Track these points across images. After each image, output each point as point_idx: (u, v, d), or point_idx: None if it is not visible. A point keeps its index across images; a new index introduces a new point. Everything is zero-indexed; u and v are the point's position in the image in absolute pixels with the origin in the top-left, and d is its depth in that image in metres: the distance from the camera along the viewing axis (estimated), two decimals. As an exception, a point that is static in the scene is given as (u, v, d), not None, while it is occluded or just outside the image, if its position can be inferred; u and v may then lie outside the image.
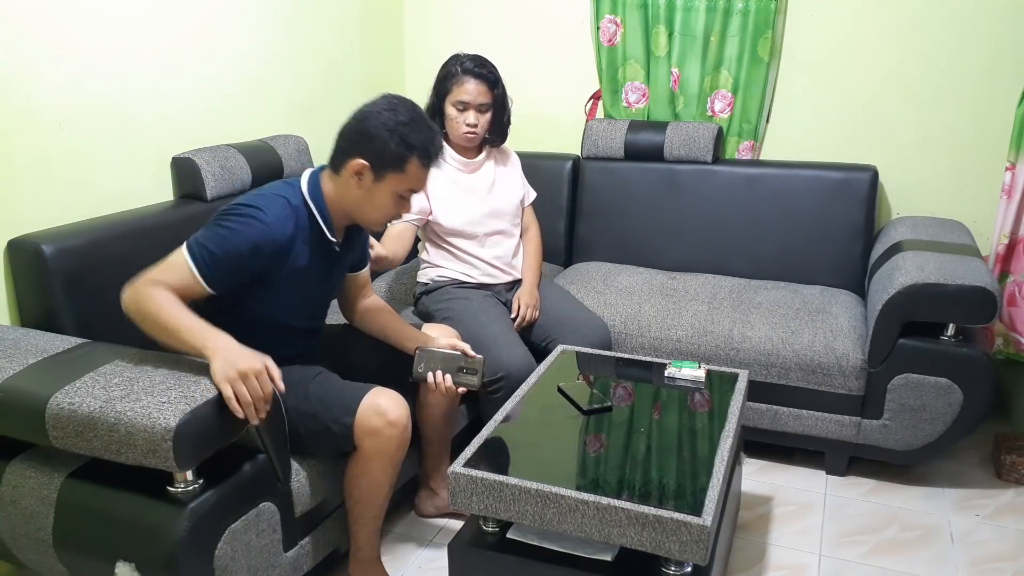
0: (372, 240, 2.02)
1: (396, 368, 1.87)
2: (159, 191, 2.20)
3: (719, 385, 1.98)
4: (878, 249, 2.57)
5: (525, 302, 2.34)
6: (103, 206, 2.03)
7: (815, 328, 2.32)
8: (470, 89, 2.28)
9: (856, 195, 2.67)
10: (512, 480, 1.51)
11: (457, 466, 1.57)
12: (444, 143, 1.89)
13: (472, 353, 1.88)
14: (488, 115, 2.34)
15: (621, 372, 2.07)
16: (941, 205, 2.73)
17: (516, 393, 1.89)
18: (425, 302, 2.38)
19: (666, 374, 2.01)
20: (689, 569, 1.48)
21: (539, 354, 2.20)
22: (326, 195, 1.69)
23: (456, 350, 1.88)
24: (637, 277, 2.71)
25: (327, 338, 1.94)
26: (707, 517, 1.39)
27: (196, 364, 1.49)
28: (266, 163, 2.35)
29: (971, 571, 1.97)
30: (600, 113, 3.12)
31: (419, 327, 2.02)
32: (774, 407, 2.35)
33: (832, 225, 2.70)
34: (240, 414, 1.42)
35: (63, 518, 1.48)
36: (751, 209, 2.78)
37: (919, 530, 2.13)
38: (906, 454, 2.27)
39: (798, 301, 2.48)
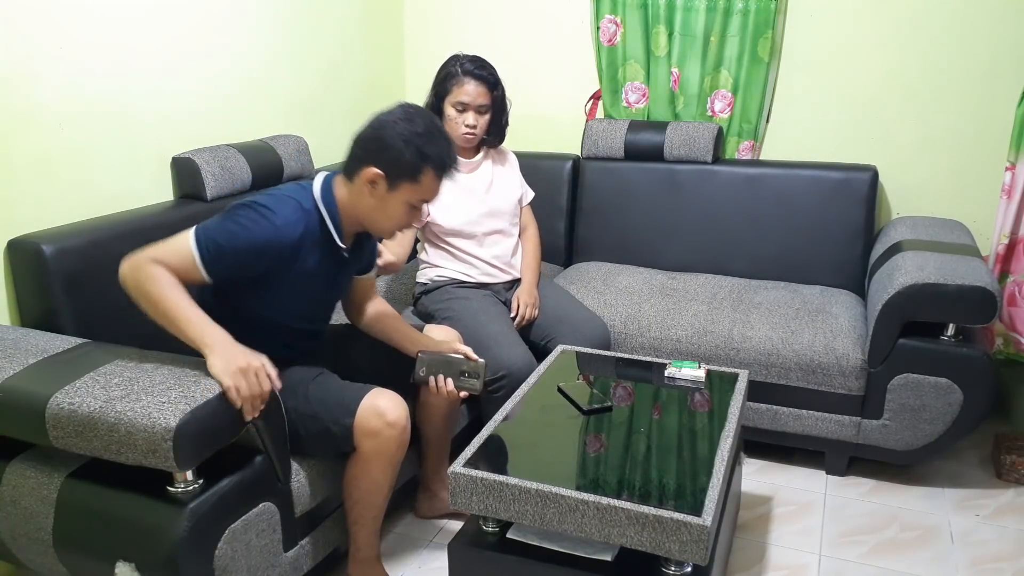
0: (381, 247, 2.01)
1: (397, 369, 1.87)
2: (159, 191, 2.20)
3: (719, 385, 1.98)
4: (878, 249, 2.57)
5: (524, 301, 2.34)
6: (103, 206, 2.03)
7: (815, 328, 2.32)
8: (470, 90, 2.29)
9: (856, 195, 2.67)
10: (512, 480, 1.51)
11: (457, 466, 1.57)
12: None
13: (474, 357, 1.88)
14: (487, 116, 2.35)
15: (621, 372, 2.07)
16: (941, 205, 2.74)
17: (516, 393, 1.89)
18: (424, 302, 2.38)
19: (666, 374, 2.01)
20: (689, 569, 1.48)
21: (538, 353, 2.20)
22: (338, 201, 1.68)
23: (458, 354, 1.88)
24: (637, 277, 2.71)
25: (329, 338, 1.94)
26: (707, 517, 1.39)
27: (196, 364, 1.49)
28: (266, 163, 2.35)
29: (971, 571, 1.97)
30: (600, 113, 3.12)
31: (420, 328, 2.02)
32: (774, 407, 2.35)
33: (832, 225, 2.70)
34: (239, 405, 1.43)
35: (63, 518, 1.48)
36: (751, 209, 2.78)
37: (919, 530, 2.13)
38: (906, 454, 2.27)
39: (798, 301, 2.48)
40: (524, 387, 1.92)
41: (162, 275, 1.49)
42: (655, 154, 2.89)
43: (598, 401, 1.84)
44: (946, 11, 2.61)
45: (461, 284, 2.38)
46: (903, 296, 2.14)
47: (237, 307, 1.66)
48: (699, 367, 2.01)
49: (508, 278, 2.44)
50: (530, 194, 2.58)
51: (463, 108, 2.30)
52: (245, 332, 1.54)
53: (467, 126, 2.30)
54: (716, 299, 2.51)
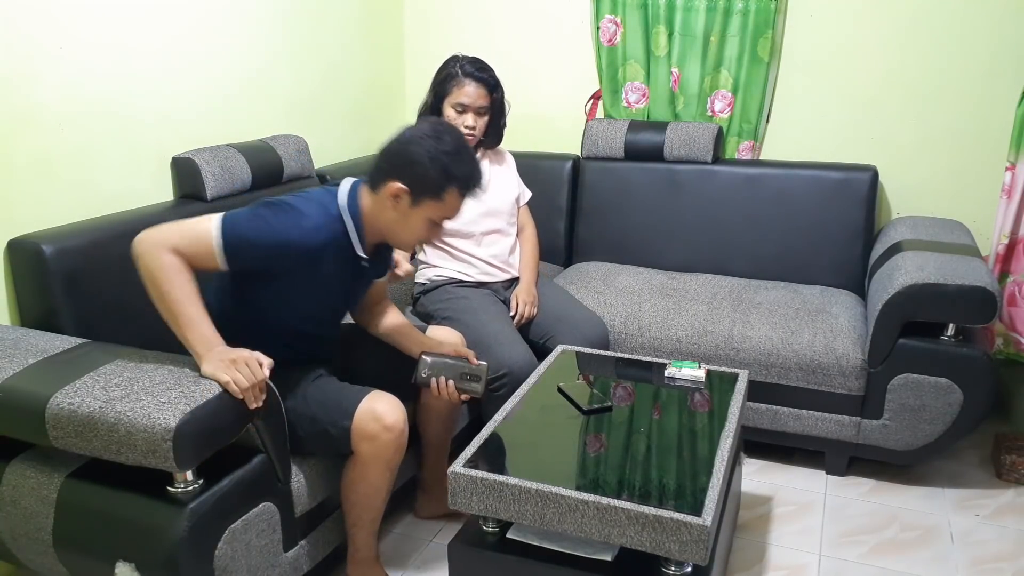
0: (397, 257, 2.00)
1: (398, 370, 1.87)
2: (159, 191, 2.20)
3: (719, 385, 1.98)
4: (878, 249, 2.57)
5: (523, 299, 2.34)
6: (103, 206, 2.03)
7: (815, 328, 2.32)
8: (470, 92, 2.29)
9: (856, 195, 2.67)
10: (512, 480, 1.50)
11: (457, 466, 1.57)
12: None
13: (476, 360, 1.88)
14: (486, 118, 2.36)
15: (621, 372, 2.07)
16: (941, 205, 2.73)
17: (516, 393, 1.89)
18: (424, 302, 2.38)
19: (666, 374, 2.01)
20: (689, 569, 1.48)
21: (537, 352, 2.20)
22: (363, 210, 1.68)
23: (461, 356, 1.88)
24: (637, 277, 2.71)
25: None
26: (707, 517, 1.39)
27: (196, 365, 1.49)
28: (266, 163, 2.35)
29: (971, 571, 1.97)
30: (600, 113, 3.12)
31: (422, 330, 2.02)
32: (774, 407, 2.35)
33: (832, 225, 2.70)
34: (239, 396, 1.43)
35: (63, 518, 1.48)
36: (751, 209, 2.78)
37: (919, 530, 2.13)
38: (906, 454, 2.27)
39: (798, 301, 2.48)
40: (524, 387, 1.92)
41: (174, 267, 1.48)
42: (655, 154, 2.89)
43: (598, 401, 1.84)
44: (946, 11, 2.61)
45: (460, 283, 2.38)
46: (903, 296, 2.14)
47: (249, 300, 1.66)
48: (699, 367, 2.01)
49: (507, 277, 2.45)
50: (527, 194, 2.59)
51: (463, 109, 2.31)
52: (251, 328, 1.54)
53: (466, 127, 2.31)
54: (716, 299, 2.51)
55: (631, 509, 1.42)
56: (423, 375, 1.83)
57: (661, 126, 2.90)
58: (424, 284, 2.41)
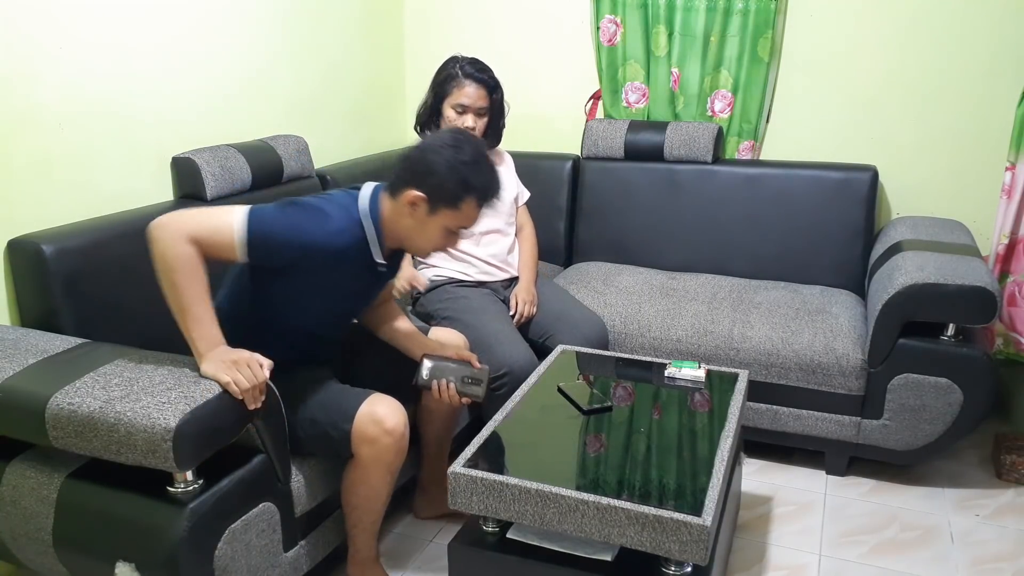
0: (412, 272, 1.99)
1: (399, 372, 1.87)
2: (159, 191, 2.20)
3: (719, 385, 1.98)
4: (878, 249, 2.57)
5: (523, 299, 2.34)
6: (103, 206, 2.03)
7: (815, 328, 2.32)
8: (470, 93, 2.30)
9: (856, 195, 2.67)
10: (512, 480, 1.50)
11: (457, 466, 1.57)
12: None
13: (478, 363, 1.88)
14: (485, 119, 2.37)
15: (621, 372, 2.07)
16: (941, 205, 2.73)
17: (516, 393, 1.89)
18: (423, 302, 2.38)
19: (666, 374, 2.01)
20: (689, 569, 1.48)
21: (537, 351, 2.21)
22: (383, 216, 1.68)
23: (463, 359, 1.87)
24: (637, 277, 2.71)
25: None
26: (707, 517, 1.39)
27: (196, 365, 1.49)
28: (266, 163, 2.35)
29: (971, 571, 1.97)
30: (600, 113, 3.12)
31: (423, 330, 2.02)
32: (774, 407, 2.35)
33: (832, 225, 2.70)
34: (239, 397, 1.43)
35: (63, 518, 1.48)
36: (751, 209, 2.78)
37: (919, 530, 2.13)
38: (906, 454, 2.27)
39: (798, 301, 2.48)
40: (524, 387, 1.92)
41: (191, 261, 1.47)
42: (655, 154, 2.89)
43: (598, 401, 1.84)
44: (946, 11, 2.61)
45: (459, 283, 2.38)
46: (903, 296, 2.14)
47: (264, 299, 1.66)
48: (699, 367, 2.01)
49: (506, 276, 2.45)
50: (526, 194, 2.60)
51: (462, 110, 2.32)
52: (258, 329, 1.53)
53: (466, 128, 2.31)
54: (716, 299, 2.51)
55: (631, 509, 1.42)
56: (424, 378, 1.83)
57: (661, 126, 2.90)
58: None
